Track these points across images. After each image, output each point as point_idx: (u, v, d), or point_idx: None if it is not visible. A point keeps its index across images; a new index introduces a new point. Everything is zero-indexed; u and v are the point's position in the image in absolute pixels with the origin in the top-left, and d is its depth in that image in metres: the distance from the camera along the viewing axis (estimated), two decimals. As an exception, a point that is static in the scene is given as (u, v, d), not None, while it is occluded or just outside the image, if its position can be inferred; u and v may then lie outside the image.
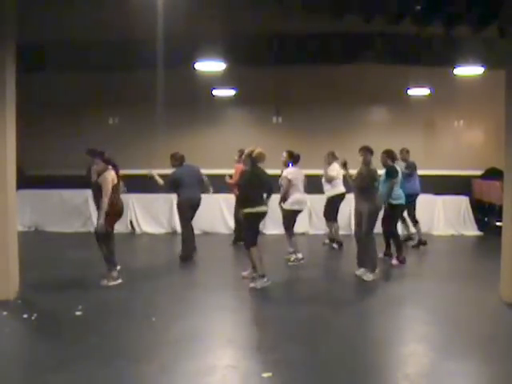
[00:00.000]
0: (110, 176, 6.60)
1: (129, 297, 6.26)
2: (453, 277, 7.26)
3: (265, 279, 6.62)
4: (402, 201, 8.17)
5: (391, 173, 7.75)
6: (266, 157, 6.80)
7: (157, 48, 8.09)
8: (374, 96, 11.69)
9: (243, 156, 7.16)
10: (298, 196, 8.07)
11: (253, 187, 6.68)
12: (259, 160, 6.75)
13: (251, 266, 6.79)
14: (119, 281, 6.69)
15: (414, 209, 9.22)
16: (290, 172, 8.08)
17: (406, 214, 9.17)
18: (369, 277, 6.99)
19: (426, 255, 9.08)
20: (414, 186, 9.16)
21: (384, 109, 12.37)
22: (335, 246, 9.28)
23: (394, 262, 7.98)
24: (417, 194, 9.22)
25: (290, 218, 8.14)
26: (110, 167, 6.71)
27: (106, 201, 6.46)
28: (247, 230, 6.79)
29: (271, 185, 6.96)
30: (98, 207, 6.72)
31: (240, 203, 6.96)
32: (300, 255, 8.11)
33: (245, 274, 6.99)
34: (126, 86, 11.44)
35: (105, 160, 6.75)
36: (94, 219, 9.50)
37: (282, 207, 8.13)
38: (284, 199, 8.01)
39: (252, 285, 6.61)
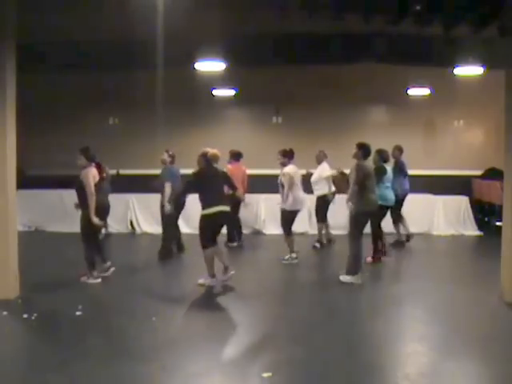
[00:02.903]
0: (91, 173, 6.67)
1: (129, 297, 6.27)
2: (453, 277, 7.26)
3: (214, 279, 6.65)
4: (390, 203, 8.22)
5: (379, 173, 7.67)
6: (219, 158, 6.87)
7: (157, 48, 8.09)
8: (374, 96, 11.68)
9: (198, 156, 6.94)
10: (299, 195, 8.01)
11: (208, 188, 6.55)
12: (214, 161, 6.78)
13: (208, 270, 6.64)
14: (99, 280, 6.77)
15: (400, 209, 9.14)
16: (290, 168, 7.98)
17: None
18: (345, 278, 6.75)
19: (425, 255, 9.07)
20: (403, 186, 9.02)
21: (384, 109, 12.36)
22: (317, 245, 9.25)
23: (369, 259, 7.85)
24: (405, 195, 9.13)
25: (289, 218, 8.00)
26: (92, 164, 6.79)
27: (91, 193, 6.56)
28: (202, 231, 6.54)
29: (230, 180, 7.02)
30: (80, 205, 6.85)
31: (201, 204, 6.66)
32: (294, 255, 8.01)
33: (201, 281, 6.70)
34: (126, 86, 11.43)
35: (87, 157, 6.79)
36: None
37: (281, 208, 8.01)
38: (286, 198, 7.85)
39: (201, 281, 6.65)
